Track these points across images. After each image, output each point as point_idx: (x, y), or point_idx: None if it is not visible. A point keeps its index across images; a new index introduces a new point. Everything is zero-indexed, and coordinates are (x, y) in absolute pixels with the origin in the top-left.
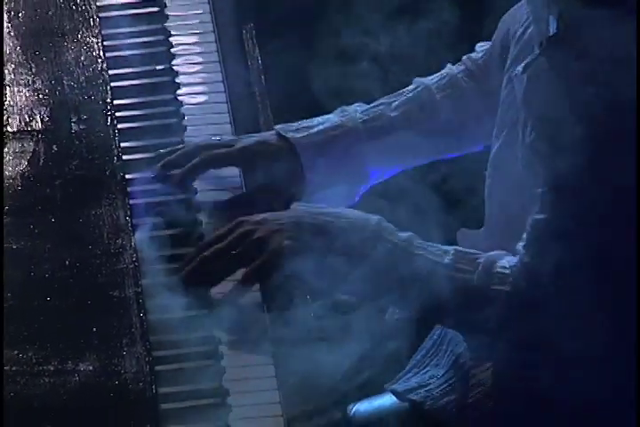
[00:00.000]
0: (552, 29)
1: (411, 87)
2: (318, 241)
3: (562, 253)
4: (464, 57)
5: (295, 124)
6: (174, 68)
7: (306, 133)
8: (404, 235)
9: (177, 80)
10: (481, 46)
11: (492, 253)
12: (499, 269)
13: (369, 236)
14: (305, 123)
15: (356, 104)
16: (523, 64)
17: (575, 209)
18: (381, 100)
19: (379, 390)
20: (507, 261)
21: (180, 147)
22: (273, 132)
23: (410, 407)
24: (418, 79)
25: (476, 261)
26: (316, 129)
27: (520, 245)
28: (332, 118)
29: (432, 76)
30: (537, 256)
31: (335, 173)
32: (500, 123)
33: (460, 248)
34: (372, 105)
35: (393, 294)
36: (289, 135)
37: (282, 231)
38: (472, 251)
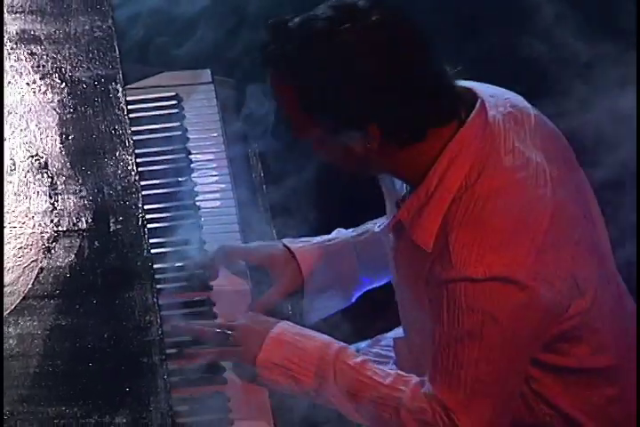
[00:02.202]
0: (398, 188)
1: None
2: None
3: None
4: None
5: (299, 239)
6: (193, 179)
7: (305, 244)
8: (359, 359)
9: (195, 189)
10: None
11: (424, 378)
12: (419, 392)
13: (330, 358)
14: (307, 238)
15: (351, 229)
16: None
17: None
18: (370, 221)
19: None
20: (425, 388)
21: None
22: (280, 242)
23: None
24: None
25: (409, 382)
26: (314, 241)
27: (425, 379)
28: (329, 235)
29: None
30: (441, 388)
31: (330, 278)
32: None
33: (400, 372)
34: (362, 225)
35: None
36: (291, 245)
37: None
38: (408, 375)
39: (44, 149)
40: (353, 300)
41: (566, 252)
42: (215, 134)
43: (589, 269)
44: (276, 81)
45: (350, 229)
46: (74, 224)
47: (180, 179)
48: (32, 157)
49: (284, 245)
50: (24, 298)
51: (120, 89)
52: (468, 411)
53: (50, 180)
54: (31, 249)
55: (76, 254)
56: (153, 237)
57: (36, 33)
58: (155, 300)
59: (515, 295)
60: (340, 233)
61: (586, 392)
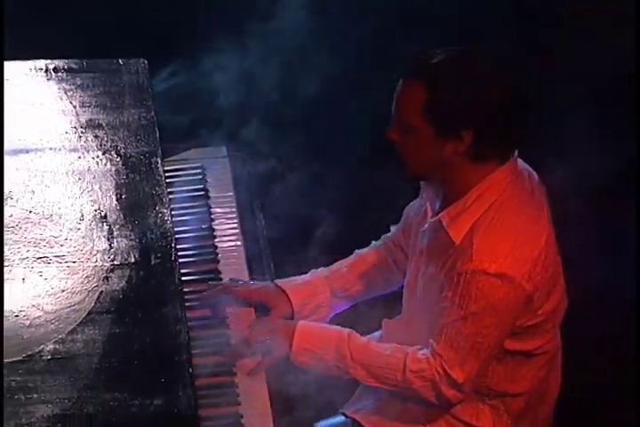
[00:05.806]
0: (437, 207)
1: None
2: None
3: (457, 347)
4: (383, 236)
5: (287, 279)
6: (213, 226)
7: (293, 283)
8: (364, 340)
9: (214, 233)
10: (393, 226)
11: (415, 347)
12: (418, 356)
13: (344, 340)
14: (293, 278)
15: (323, 268)
16: (425, 226)
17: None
18: (338, 262)
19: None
20: (422, 353)
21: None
22: (273, 283)
23: (352, 423)
24: (358, 251)
25: (404, 350)
26: (299, 280)
27: (431, 341)
28: (308, 275)
29: (367, 249)
30: (444, 349)
31: (311, 308)
32: (411, 254)
33: (397, 346)
34: (332, 266)
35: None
36: (282, 285)
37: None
38: (401, 346)
39: (104, 205)
40: (327, 320)
41: (551, 267)
42: (229, 194)
43: (560, 284)
44: (411, 81)
45: (322, 269)
46: (125, 259)
47: (202, 226)
48: (95, 210)
49: (277, 285)
50: (88, 313)
51: (159, 161)
52: (463, 367)
53: (108, 227)
54: (94, 278)
55: (126, 281)
56: (182, 269)
57: (100, 121)
58: (183, 314)
59: (511, 291)
60: (315, 273)
61: (525, 369)
